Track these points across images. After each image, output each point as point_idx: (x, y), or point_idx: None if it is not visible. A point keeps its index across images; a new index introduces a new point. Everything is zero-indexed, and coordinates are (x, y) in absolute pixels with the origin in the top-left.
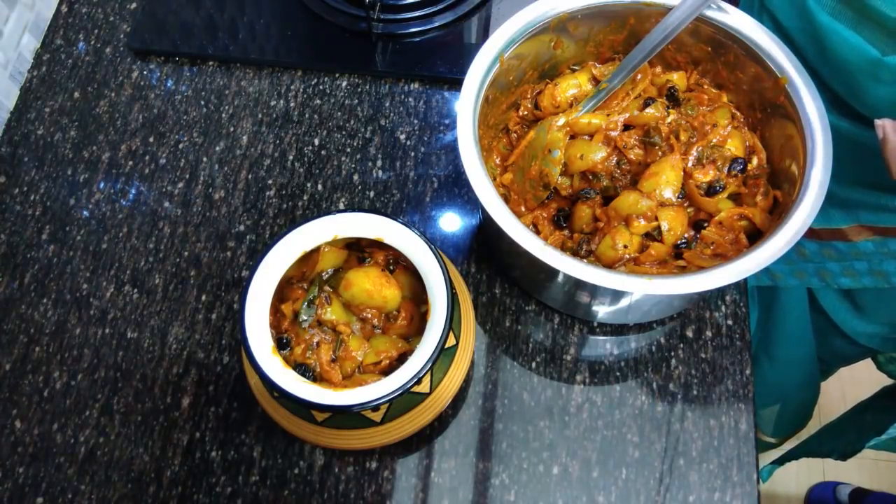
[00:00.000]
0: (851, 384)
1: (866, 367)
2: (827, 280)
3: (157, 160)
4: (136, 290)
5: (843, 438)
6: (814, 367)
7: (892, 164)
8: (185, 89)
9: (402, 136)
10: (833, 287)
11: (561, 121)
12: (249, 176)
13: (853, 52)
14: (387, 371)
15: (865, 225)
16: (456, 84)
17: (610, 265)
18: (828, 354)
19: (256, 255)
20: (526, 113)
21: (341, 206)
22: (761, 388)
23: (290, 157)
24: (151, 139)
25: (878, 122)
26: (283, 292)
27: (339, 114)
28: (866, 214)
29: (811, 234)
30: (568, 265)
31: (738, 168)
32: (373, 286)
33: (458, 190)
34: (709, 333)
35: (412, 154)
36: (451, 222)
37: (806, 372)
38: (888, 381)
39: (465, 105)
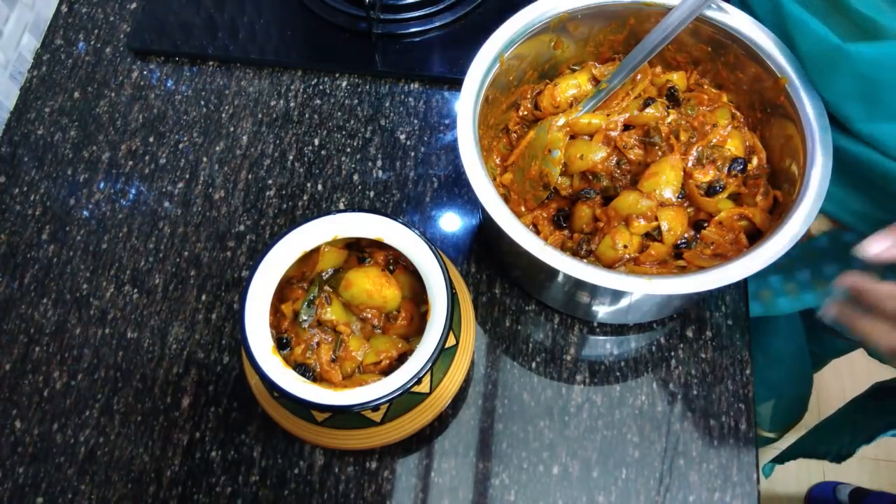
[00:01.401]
0: (851, 380)
1: (866, 362)
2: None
3: (157, 160)
4: (136, 290)
5: (836, 440)
6: (805, 362)
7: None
8: (185, 89)
9: (402, 136)
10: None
11: (561, 121)
12: (249, 176)
13: (816, 41)
14: (387, 371)
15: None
16: (456, 84)
17: (610, 265)
18: (818, 348)
19: (256, 255)
20: (526, 113)
21: (341, 206)
22: (756, 384)
23: (290, 157)
24: (151, 139)
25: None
26: (283, 292)
27: (339, 114)
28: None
29: None
30: (568, 265)
31: (738, 168)
32: (373, 286)
33: (458, 190)
34: (709, 333)
35: (412, 154)
36: (451, 222)
37: (798, 366)
38: (886, 375)
39: (465, 105)
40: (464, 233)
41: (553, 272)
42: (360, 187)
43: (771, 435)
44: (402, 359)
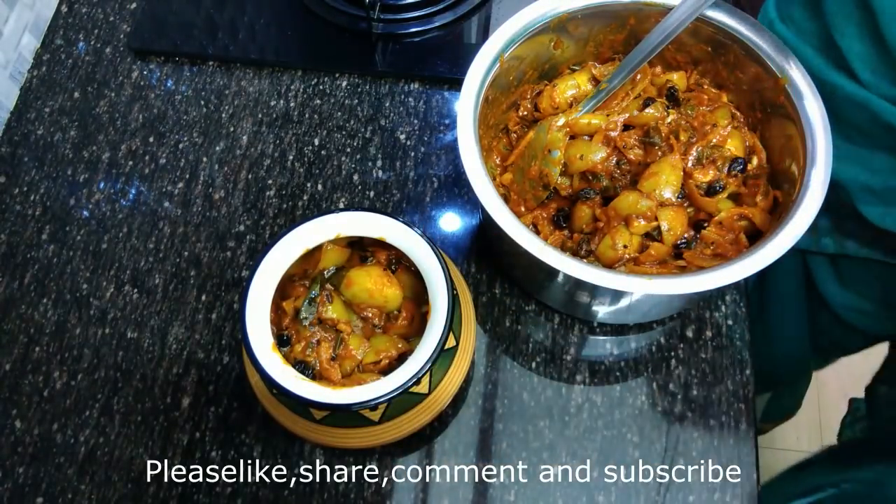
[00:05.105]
0: (850, 380)
1: (867, 364)
2: (815, 236)
3: (157, 160)
4: (136, 290)
5: (779, 494)
6: (806, 353)
7: None
8: (185, 89)
9: (402, 136)
10: (819, 246)
11: (561, 121)
12: (249, 176)
13: None
14: (386, 371)
15: None
16: (456, 84)
17: (610, 265)
18: (820, 337)
19: (256, 255)
20: (526, 113)
21: (341, 206)
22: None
23: (290, 157)
24: (151, 139)
25: None
26: (284, 289)
27: (339, 114)
28: None
29: None
30: (568, 265)
31: (738, 168)
32: (374, 285)
33: (458, 190)
34: (709, 333)
35: (412, 154)
36: (451, 222)
37: (799, 357)
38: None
39: (465, 105)
40: (464, 233)
41: (553, 272)
42: (360, 187)
43: (762, 426)
44: (401, 359)
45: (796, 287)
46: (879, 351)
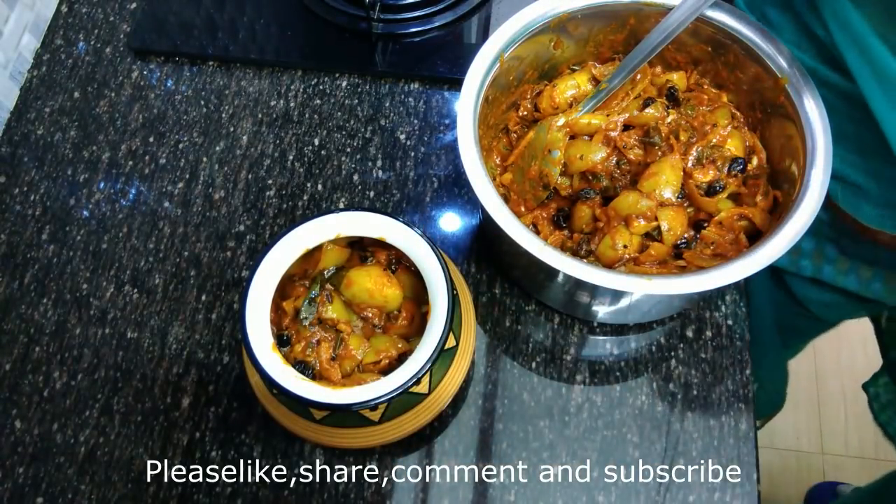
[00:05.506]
0: (851, 379)
1: (866, 363)
2: (795, 256)
3: (157, 160)
4: (136, 290)
5: None
6: (779, 347)
7: None
8: (185, 89)
9: (402, 136)
10: (797, 267)
11: (561, 121)
12: (249, 176)
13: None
14: (386, 371)
15: None
16: (456, 84)
17: (610, 265)
18: (783, 327)
19: (256, 255)
20: (526, 113)
21: (341, 206)
22: None
23: (290, 157)
24: (151, 139)
25: None
26: (284, 289)
27: (339, 114)
28: None
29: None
30: (568, 265)
31: (738, 168)
32: (374, 285)
33: (458, 190)
34: (709, 333)
35: (412, 154)
36: (451, 222)
37: (774, 352)
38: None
39: (465, 105)
40: (464, 233)
41: (553, 272)
42: (360, 187)
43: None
44: (401, 359)
45: (765, 283)
46: (877, 348)
